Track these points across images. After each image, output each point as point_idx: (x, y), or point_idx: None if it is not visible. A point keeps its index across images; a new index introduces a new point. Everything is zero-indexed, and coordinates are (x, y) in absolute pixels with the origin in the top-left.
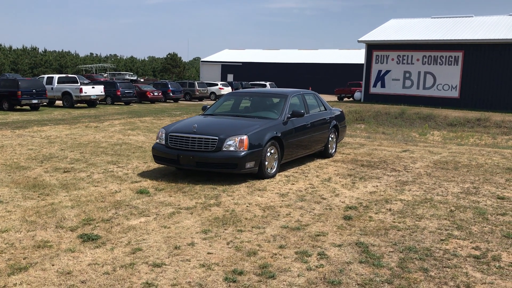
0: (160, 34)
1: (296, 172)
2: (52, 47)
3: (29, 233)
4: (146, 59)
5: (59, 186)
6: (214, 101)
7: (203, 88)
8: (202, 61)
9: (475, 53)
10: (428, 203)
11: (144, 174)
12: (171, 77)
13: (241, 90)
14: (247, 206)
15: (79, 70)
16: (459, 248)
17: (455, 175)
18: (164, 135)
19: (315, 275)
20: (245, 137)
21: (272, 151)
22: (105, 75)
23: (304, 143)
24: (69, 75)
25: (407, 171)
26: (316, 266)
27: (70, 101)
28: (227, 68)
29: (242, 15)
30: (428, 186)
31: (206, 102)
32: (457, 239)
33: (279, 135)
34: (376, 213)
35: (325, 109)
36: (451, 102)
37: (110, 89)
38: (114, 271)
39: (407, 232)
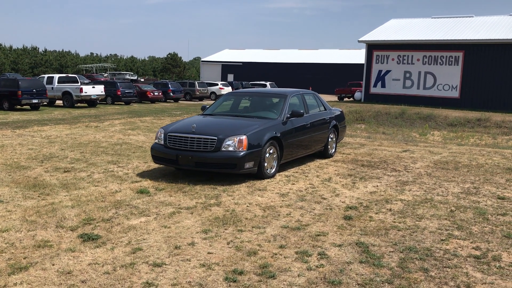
0: (160, 34)
1: (297, 172)
2: (53, 47)
3: (30, 232)
4: (147, 59)
5: (59, 186)
6: (214, 101)
7: (204, 88)
8: (202, 61)
9: (475, 53)
10: (429, 203)
11: (145, 174)
12: (171, 77)
13: (240, 90)
14: (248, 206)
15: (80, 70)
16: (459, 248)
17: (456, 175)
18: (162, 135)
19: (316, 275)
20: (244, 137)
21: (271, 151)
22: (106, 75)
23: (303, 143)
24: (70, 75)
25: (408, 171)
26: (317, 266)
27: (70, 101)
28: (227, 68)
29: (242, 15)
30: (428, 186)
31: (206, 102)
32: (458, 239)
33: (279, 135)
34: (376, 213)
35: (325, 109)
36: (452, 102)
37: (110, 89)
38: (115, 271)
39: (407, 232)
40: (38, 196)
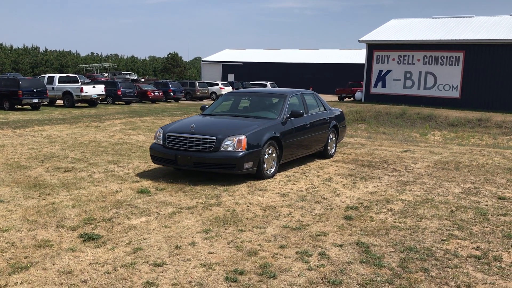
0: (161, 34)
1: (297, 172)
2: (53, 47)
3: (30, 232)
4: (147, 58)
5: (60, 186)
6: (214, 101)
7: (204, 88)
8: (202, 61)
9: (476, 53)
10: (429, 203)
11: (145, 174)
12: (171, 77)
13: (240, 90)
14: (248, 206)
15: (80, 69)
16: (460, 248)
17: (456, 175)
18: (161, 135)
19: (316, 275)
20: (243, 137)
21: (270, 151)
22: (106, 74)
23: (303, 143)
24: (70, 75)
25: (408, 171)
26: (317, 266)
27: (71, 100)
28: (227, 68)
29: (243, 15)
30: (429, 186)
31: (206, 102)
32: (458, 239)
33: (278, 135)
34: (377, 213)
35: (325, 109)
36: (452, 102)
37: (111, 89)
38: (115, 271)
39: (408, 232)
40: (39, 196)
